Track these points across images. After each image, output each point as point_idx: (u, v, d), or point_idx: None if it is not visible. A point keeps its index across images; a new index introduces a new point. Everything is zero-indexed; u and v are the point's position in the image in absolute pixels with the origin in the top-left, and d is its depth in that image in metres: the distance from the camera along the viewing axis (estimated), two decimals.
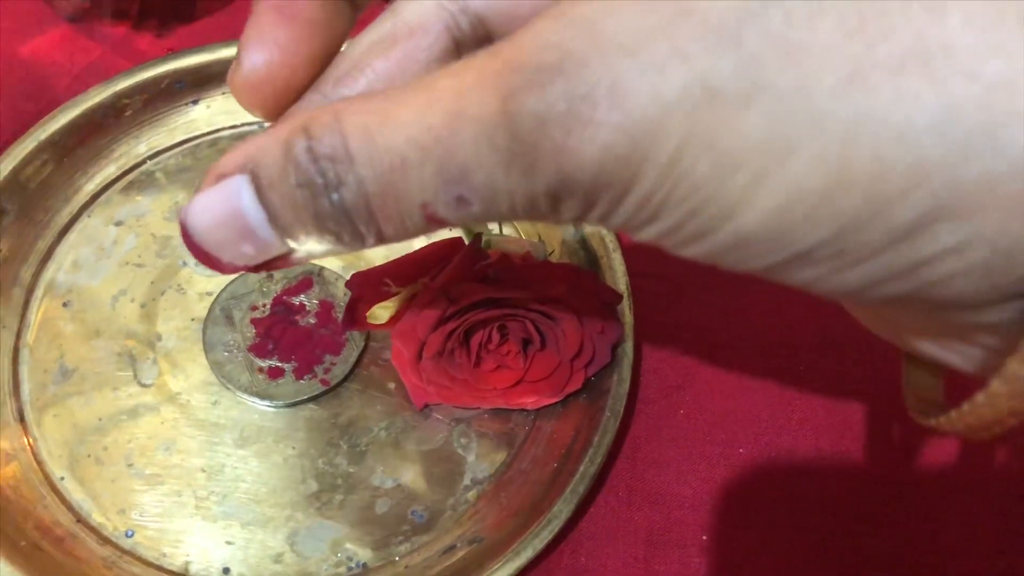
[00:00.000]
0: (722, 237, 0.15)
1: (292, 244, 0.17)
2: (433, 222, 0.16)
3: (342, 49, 0.20)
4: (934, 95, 0.13)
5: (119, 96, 0.39)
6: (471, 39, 0.20)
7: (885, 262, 0.14)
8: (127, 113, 0.39)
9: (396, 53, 0.19)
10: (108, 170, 0.39)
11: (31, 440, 0.34)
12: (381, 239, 0.17)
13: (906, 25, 0.13)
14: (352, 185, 0.16)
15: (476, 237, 0.32)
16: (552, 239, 0.38)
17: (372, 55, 0.19)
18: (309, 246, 0.17)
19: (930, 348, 0.19)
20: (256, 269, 0.19)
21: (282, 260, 0.18)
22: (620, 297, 0.34)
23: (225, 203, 0.17)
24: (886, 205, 0.14)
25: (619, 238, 0.36)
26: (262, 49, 0.19)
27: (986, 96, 0.13)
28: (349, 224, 0.16)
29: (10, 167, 0.36)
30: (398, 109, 0.15)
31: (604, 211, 0.16)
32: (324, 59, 0.20)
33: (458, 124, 0.15)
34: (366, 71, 0.19)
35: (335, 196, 0.16)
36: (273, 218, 0.17)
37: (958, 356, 0.18)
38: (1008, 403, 0.15)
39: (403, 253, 0.34)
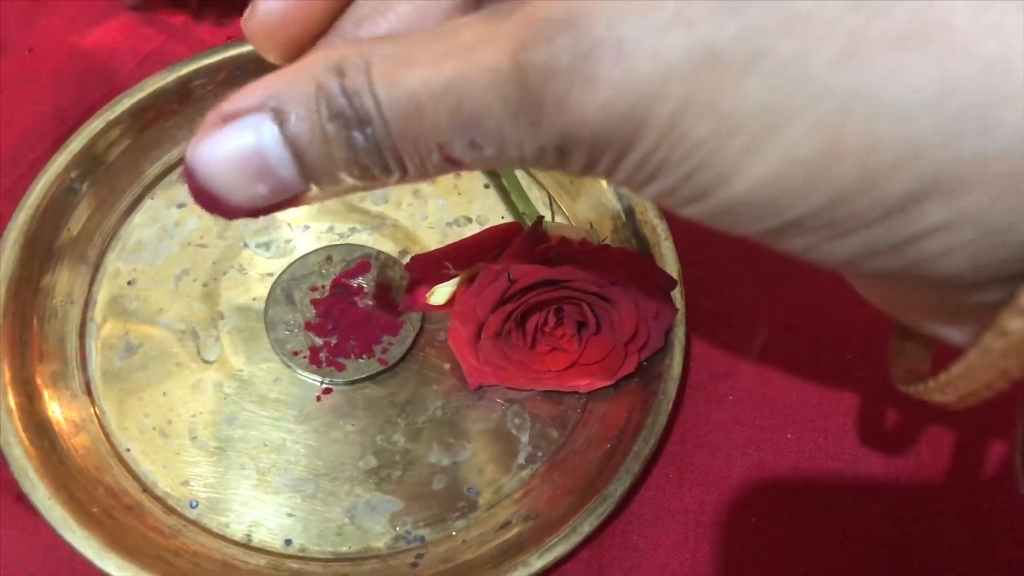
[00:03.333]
0: (719, 200, 0.16)
1: (311, 183, 0.18)
2: (450, 163, 0.17)
3: None
4: (930, 72, 0.13)
5: (182, 82, 0.40)
6: None
7: (875, 235, 0.15)
8: (189, 99, 0.40)
9: None
10: (171, 153, 0.40)
11: (98, 412, 0.35)
12: (404, 176, 0.18)
13: (906, 1, 0.13)
14: (378, 123, 0.16)
15: (537, 220, 0.33)
16: (604, 227, 0.38)
17: None
18: (326, 183, 0.18)
19: (927, 324, 0.19)
20: (262, 212, 0.19)
21: (291, 202, 0.18)
22: (675, 282, 0.35)
23: (243, 141, 0.17)
24: (878, 178, 0.14)
25: (670, 225, 0.37)
26: None
27: (981, 75, 0.13)
28: (379, 158, 0.17)
29: (80, 146, 0.37)
30: (419, 55, 0.16)
31: (607, 167, 0.16)
32: (343, 3, 0.20)
33: (471, 73, 0.16)
34: (388, 14, 0.19)
35: (368, 130, 0.16)
36: (299, 154, 0.17)
37: (956, 332, 0.18)
38: (983, 375, 0.16)
39: (461, 238, 0.35)
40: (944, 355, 0.20)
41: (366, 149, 0.17)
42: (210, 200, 0.18)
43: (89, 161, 0.38)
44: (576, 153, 0.16)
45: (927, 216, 0.14)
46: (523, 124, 0.16)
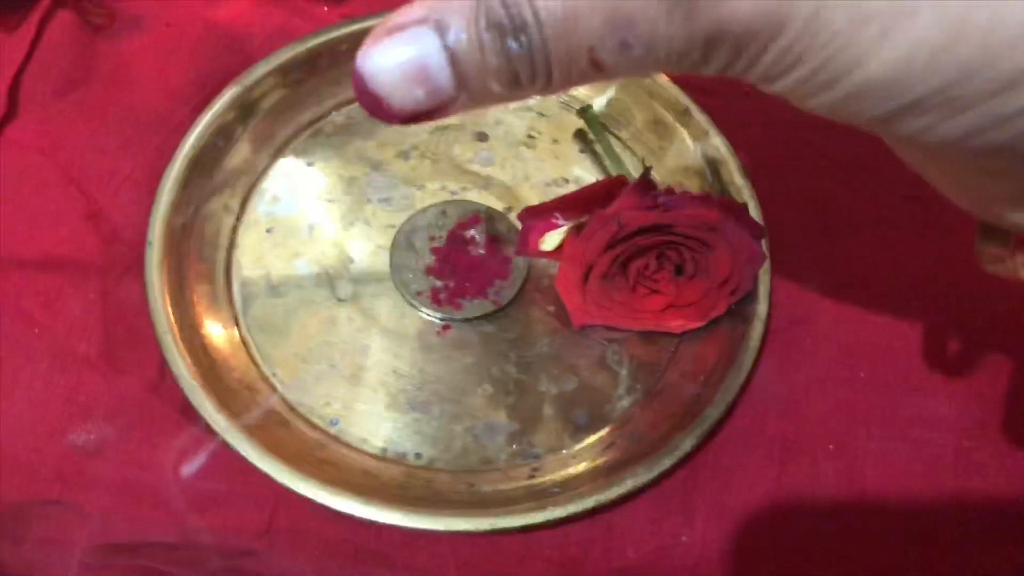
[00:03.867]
0: (850, 84, 0.17)
1: (463, 91, 0.19)
2: (596, 67, 0.18)
3: None
4: None
5: (310, 53, 0.44)
6: None
7: (990, 110, 0.16)
8: (315, 70, 0.44)
9: None
10: (302, 117, 0.44)
11: (246, 341, 0.40)
12: (549, 84, 0.19)
13: None
14: (534, 29, 0.18)
15: (647, 170, 0.37)
16: (692, 189, 0.42)
17: None
18: (477, 92, 0.19)
19: (1011, 214, 0.21)
20: (416, 119, 0.20)
21: (445, 109, 0.20)
22: (764, 230, 0.39)
23: (408, 50, 0.19)
24: (995, 57, 0.15)
25: (754, 187, 0.41)
26: None
27: None
28: (529, 64, 0.18)
29: (223, 107, 0.42)
30: None
31: (750, 59, 0.18)
32: None
33: None
34: None
35: (523, 38, 0.18)
36: (456, 62, 0.19)
37: None
38: None
39: (560, 195, 0.39)
40: None
41: (519, 56, 0.18)
42: (374, 102, 0.20)
43: (232, 120, 0.42)
44: (722, 47, 0.18)
45: None
46: (676, 20, 0.17)
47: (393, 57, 0.19)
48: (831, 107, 0.19)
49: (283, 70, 0.43)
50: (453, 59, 0.19)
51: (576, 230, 0.39)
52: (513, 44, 0.18)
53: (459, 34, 0.18)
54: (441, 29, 0.18)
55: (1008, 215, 0.22)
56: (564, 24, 0.18)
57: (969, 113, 0.17)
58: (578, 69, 0.19)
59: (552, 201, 0.39)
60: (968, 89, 0.17)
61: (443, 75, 0.19)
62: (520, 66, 0.19)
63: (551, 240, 0.39)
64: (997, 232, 0.25)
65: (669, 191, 0.37)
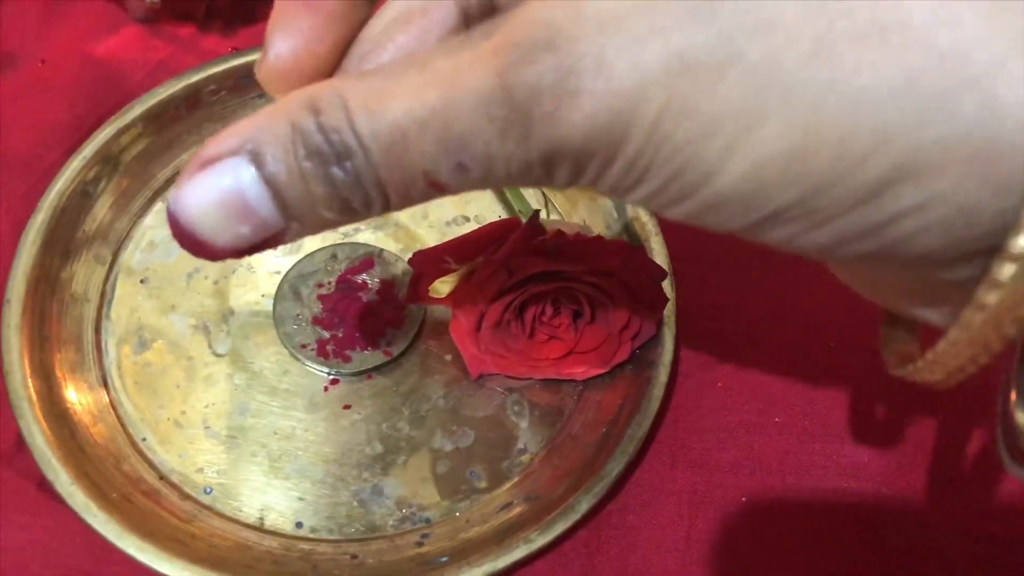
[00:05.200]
0: (702, 198, 0.16)
1: (292, 221, 0.18)
2: (435, 188, 0.18)
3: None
4: (892, 65, 0.14)
5: (191, 89, 0.41)
6: (477, 10, 0.21)
7: (853, 221, 0.16)
8: (198, 105, 0.42)
9: (414, 29, 0.21)
10: (181, 158, 0.42)
11: (115, 403, 0.37)
12: (387, 206, 0.18)
13: (866, 2, 0.14)
14: (360, 156, 0.17)
15: (534, 214, 0.35)
16: (597, 224, 0.40)
17: (392, 31, 0.21)
18: (308, 219, 0.18)
19: (909, 306, 0.20)
20: (248, 252, 0.19)
21: (276, 240, 0.19)
22: (665, 273, 0.36)
23: (222, 185, 0.17)
24: (851, 167, 0.15)
25: (660, 222, 0.39)
26: (287, 39, 0.20)
27: (940, 65, 0.14)
28: (360, 191, 0.17)
29: (94, 151, 0.39)
30: (397, 86, 0.17)
31: (593, 176, 0.17)
32: (347, 44, 0.21)
33: (457, 97, 0.16)
34: (388, 46, 0.20)
35: (348, 164, 0.17)
36: (277, 193, 0.17)
37: (936, 314, 0.19)
38: (966, 350, 0.16)
39: (460, 234, 0.37)
40: (930, 339, 0.22)
41: (346, 183, 0.17)
42: (195, 244, 0.18)
43: (103, 165, 0.39)
44: (563, 165, 0.17)
45: (900, 199, 0.15)
46: (511, 141, 0.16)
47: (208, 194, 0.18)
48: (689, 218, 0.18)
49: (161, 108, 0.41)
50: (274, 190, 0.17)
51: (468, 275, 0.36)
52: (338, 171, 0.17)
53: (277, 163, 0.17)
54: (257, 159, 0.17)
55: (909, 310, 0.21)
56: (392, 148, 0.17)
57: (832, 224, 0.16)
58: (417, 191, 0.18)
59: (443, 244, 0.37)
60: (825, 202, 0.16)
61: (265, 208, 0.18)
62: (350, 193, 0.17)
63: (442, 287, 0.36)
64: (902, 321, 0.23)
65: (559, 235, 0.35)
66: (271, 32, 0.20)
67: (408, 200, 0.18)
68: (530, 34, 0.16)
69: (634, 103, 0.15)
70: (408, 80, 0.17)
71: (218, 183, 0.17)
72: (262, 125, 0.17)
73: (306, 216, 0.18)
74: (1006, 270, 0.15)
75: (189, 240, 0.18)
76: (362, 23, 0.21)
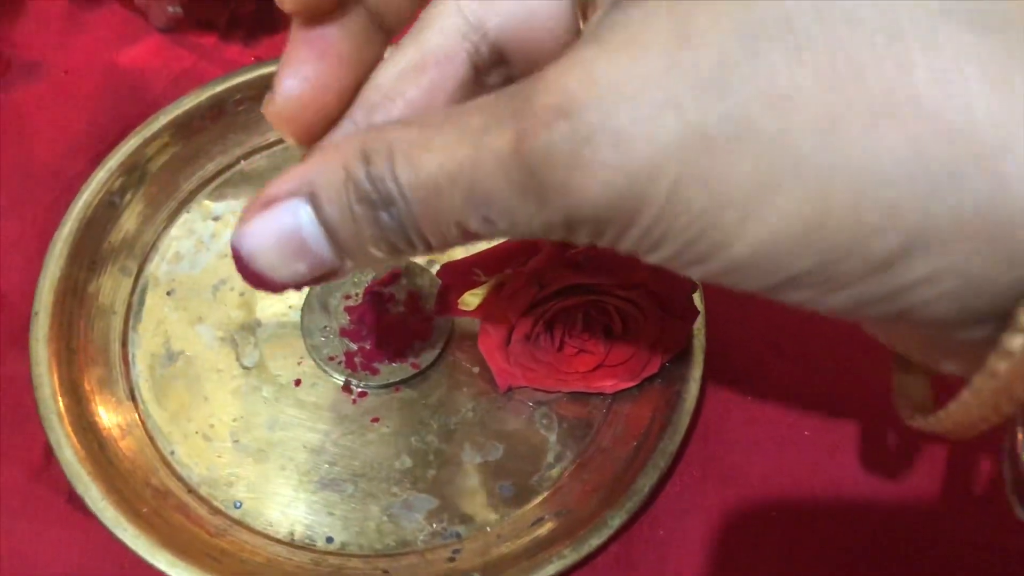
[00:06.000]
0: (718, 263, 0.17)
1: (345, 259, 0.19)
2: (468, 236, 0.19)
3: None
4: (903, 143, 0.14)
5: (216, 99, 0.41)
6: (489, 63, 0.22)
7: (866, 288, 0.16)
8: (222, 115, 0.42)
9: (425, 82, 0.21)
10: (206, 168, 0.42)
11: (143, 417, 0.37)
12: (428, 249, 0.19)
13: (878, 80, 0.15)
14: (401, 204, 0.18)
15: None
16: None
17: (402, 84, 0.21)
18: (360, 259, 0.19)
19: (927, 357, 0.21)
20: (305, 286, 0.20)
21: (331, 275, 0.20)
22: (696, 286, 0.36)
23: (282, 224, 0.19)
24: (864, 240, 0.15)
25: None
26: (295, 82, 0.20)
27: (950, 143, 0.14)
28: (403, 234, 0.18)
29: (119, 162, 0.39)
30: (434, 139, 0.17)
31: (612, 239, 0.18)
32: (356, 88, 0.21)
33: (480, 158, 0.17)
34: (397, 100, 0.21)
35: (393, 210, 0.18)
36: (332, 233, 0.19)
37: (952, 365, 0.20)
38: (978, 411, 0.17)
39: (489, 246, 0.37)
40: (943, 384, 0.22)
41: (392, 228, 0.18)
42: (256, 278, 0.20)
43: (128, 175, 0.39)
44: (582, 228, 0.17)
45: (912, 271, 0.15)
46: (530, 204, 0.17)
47: (269, 233, 0.19)
48: (709, 278, 0.18)
49: (186, 118, 0.41)
50: (329, 231, 0.19)
51: (498, 287, 0.36)
52: (385, 216, 0.18)
53: (331, 207, 0.18)
54: (314, 201, 0.19)
55: (927, 360, 0.21)
56: (427, 200, 0.18)
57: (847, 291, 0.16)
58: (453, 237, 0.19)
59: (472, 256, 0.37)
60: (839, 270, 0.16)
61: (321, 247, 0.19)
62: (395, 237, 0.19)
63: (471, 299, 0.36)
64: (915, 367, 0.24)
65: (590, 248, 0.35)
66: (281, 72, 0.21)
67: (446, 244, 0.19)
68: (546, 100, 0.16)
69: (649, 175, 0.16)
70: (445, 134, 0.17)
71: (278, 223, 0.19)
72: (319, 169, 0.19)
73: (357, 255, 0.19)
74: (1016, 341, 0.15)
75: (251, 274, 0.20)
76: (373, 64, 0.22)
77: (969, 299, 0.15)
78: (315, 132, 0.21)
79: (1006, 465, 0.25)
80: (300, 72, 0.20)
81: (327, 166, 0.18)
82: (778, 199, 0.15)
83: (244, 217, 0.19)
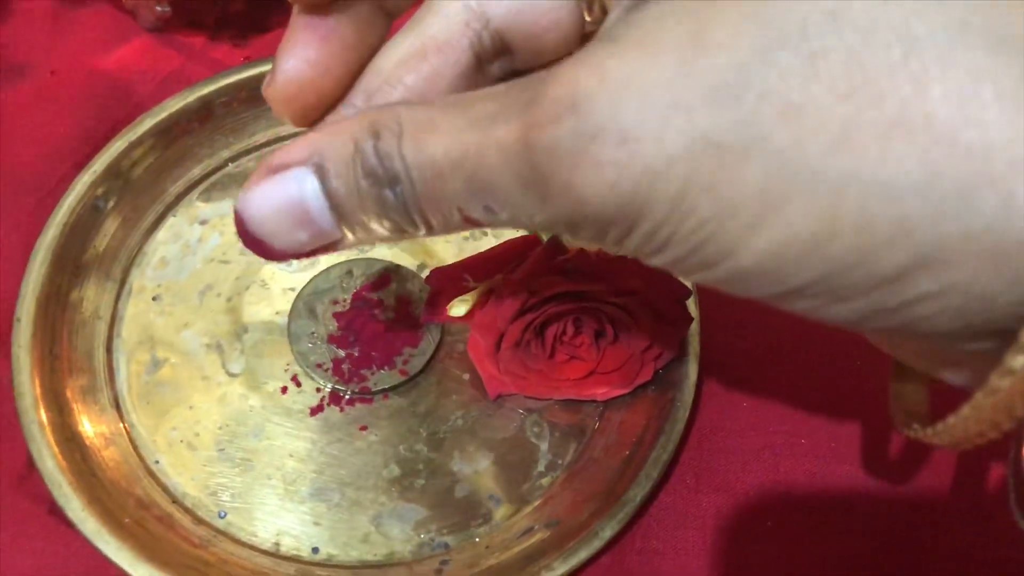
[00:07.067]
0: (723, 270, 0.17)
1: (346, 232, 0.19)
2: (469, 222, 0.18)
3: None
4: (916, 160, 0.14)
5: (203, 101, 0.41)
6: (491, 53, 0.21)
7: (872, 301, 0.16)
8: (210, 118, 0.41)
9: (425, 69, 0.21)
10: (193, 172, 0.41)
11: (127, 426, 0.36)
12: (430, 230, 0.19)
13: (893, 95, 0.14)
14: (406, 184, 0.18)
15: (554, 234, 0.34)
16: None
17: (403, 70, 0.21)
18: (361, 234, 0.19)
19: (930, 367, 0.21)
20: (303, 256, 0.20)
21: (331, 247, 0.20)
22: (690, 292, 0.35)
23: (287, 192, 0.19)
24: (871, 254, 0.15)
25: None
26: (296, 64, 0.20)
27: (963, 163, 0.14)
28: (406, 214, 0.18)
29: (104, 165, 0.38)
30: (442, 123, 0.17)
31: (615, 239, 0.17)
32: (356, 72, 0.21)
33: (485, 147, 0.17)
34: (398, 86, 0.21)
35: (398, 188, 0.18)
36: (336, 206, 0.19)
37: (954, 375, 0.20)
38: (976, 426, 0.17)
39: (479, 249, 0.36)
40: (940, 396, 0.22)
41: (395, 206, 0.18)
42: (256, 243, 0.20)
43: (113, 180, 0.39)
44: (584, 227, 0.17)
45: (919, 286, 0.15)
46: (532, 198, 0.17)
47: (273, 199, 0.19)
48: (712, 284, 0.18)
49: (172, 121, 0.40)
50: (333, 203, 0.19)
51: (487, 293, 0.35)
52: (389, 194, 0.18)
53: (338, 179, 0.18)
54: (321, 172, 0.18)
55: (930, 370, 0.21)
56: (430, 181, 0.18)
57: (852, 303, 0.16)
58: (454, 222, 0.19)
59: (461, 262, 0.36)
60: (845, 282, 0.16)
61: (324, 218, 0.19)
62: (398, 215, 0.19)
63: (461, 305, 0.36)
64: (912, 376, 0.23)
65: (581, 253, 0.34)
66: (281, 54, 0.20)
67: (448, 228, 0.19)
68: (555, 94, 0.16)
69: (656, 177, 0.15)
70: (453, 118, 0.17)
71: (283, 190, 0.19)
72: (328, 140, 0.19)
73: (359, 229, 0.19)
74: (1019, 361, 0.15)
75: (251, 239, 0.20)
76: (375, 48, 0.21)
77: (973, 315, 0.15)
78: (313, 115, 0.21)
79: (1010, 476, 0.25)
80: (301, 54, 0.20)
81: (337, 138, 0.18)
82: (787, 210, 0.15)
83: (249, 181, 0.19)
